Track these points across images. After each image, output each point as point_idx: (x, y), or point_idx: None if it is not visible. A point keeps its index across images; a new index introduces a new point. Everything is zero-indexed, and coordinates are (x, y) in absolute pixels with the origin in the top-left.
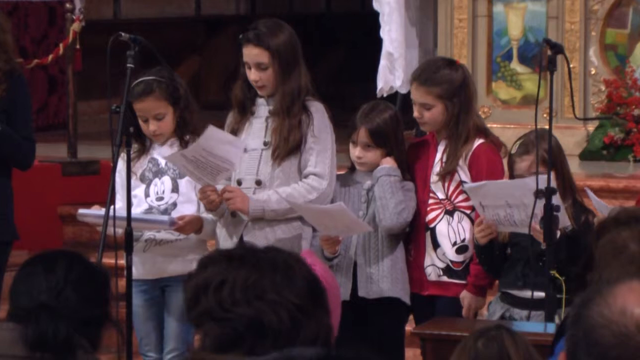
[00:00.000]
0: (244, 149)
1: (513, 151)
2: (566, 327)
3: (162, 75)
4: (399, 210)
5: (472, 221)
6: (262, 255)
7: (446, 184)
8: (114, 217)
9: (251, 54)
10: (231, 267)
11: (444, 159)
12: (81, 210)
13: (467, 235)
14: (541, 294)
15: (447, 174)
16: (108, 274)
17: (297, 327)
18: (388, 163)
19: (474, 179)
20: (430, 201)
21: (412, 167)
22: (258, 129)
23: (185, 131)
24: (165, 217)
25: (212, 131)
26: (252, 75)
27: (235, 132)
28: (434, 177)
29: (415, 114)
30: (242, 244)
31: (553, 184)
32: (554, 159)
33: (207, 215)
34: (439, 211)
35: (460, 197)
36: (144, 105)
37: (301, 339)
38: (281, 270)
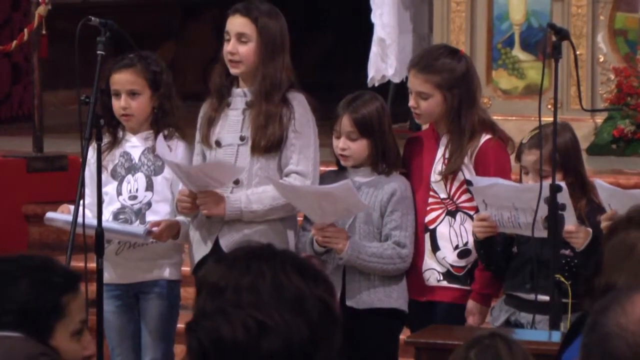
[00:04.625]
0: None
1: (524, 141)
2: (581, 333)
3: (147, 56)
4: (396, 265)
5: None
6: (242, 262)
7: (449, 183)
8: (83, 222)
9: (235, 22)
10: (213, 271)
11: (447, 156)
12: (49, 214)
13: (470, 239)
14: (546, 298)
15: (450, 173)
16: (76, 275)
17: (255, 342)
18: (342, 247)
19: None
20: (431, 200)
21: (409, 163)
22: (234, 122)
23: (163, 124)
24: (140, 229)
25: (219, 165)
26: (230, 46)
27: (212, 120)
28: (435, 176)
29: (411, 103)
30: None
31: (562, 182)
32: (566, 156)
33: (181, 217)
34: (439, 211)
35: (464, 197)
36: (120, 76)
37: (263, 353)
38: (249, 279)
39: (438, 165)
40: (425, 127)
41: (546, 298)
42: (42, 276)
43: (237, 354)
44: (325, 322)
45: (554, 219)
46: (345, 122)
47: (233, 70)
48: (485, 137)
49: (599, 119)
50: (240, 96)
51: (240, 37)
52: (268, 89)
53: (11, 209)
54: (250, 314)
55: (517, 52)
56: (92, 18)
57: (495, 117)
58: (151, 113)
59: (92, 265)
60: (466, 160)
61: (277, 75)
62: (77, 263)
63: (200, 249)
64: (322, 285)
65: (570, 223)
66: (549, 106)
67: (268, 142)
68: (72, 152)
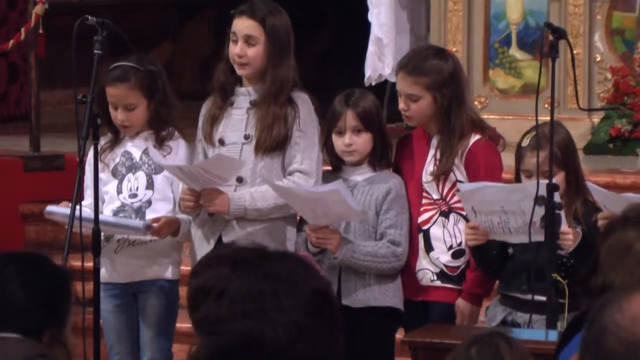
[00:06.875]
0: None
1: (524, 144)
2: (579, 332)
3: (142, 64)
4: (391, 264)
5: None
6: (267, 265)
7: (441, 184)
8: (80, 217)
9: (242, 25)
10: (234, 274)
11: (438, 156)
12: (49, 208)
13: (464, 239)
14: (542, 298)
15: (442, 173)
16: (65, 274)
17: (294, 345)
18: (333, 244)
19: (470, 178)
20: (424, 201)
21: (401, 163)
22: (238, 121)
23: (160, 126)
24: (139, 222)
25: (218, 157)
26: (238, 48)
27: (215, 118)
28: (427, 177)
29: (401, 105)
30: (253, 244)
31: (562, 182)
32: (567, 156)
33: (182, 215)
34: (432, 212)
35: (457, 198)
36: (117, 91)
37: (297, 356)
38: (284, 283)
39: (429, 166)
40: None
41: (543, 298)
42: (39, 277)
43: (272, 357)
44: (339, 322)
45: (551, 219)
46: (350, 117)
47: (240, 72)
48: (474, 138)
49: (596, 118)
50: (244, 95)
51: (248, 40)
52: (277, 90)
53: (8, 209)
54: (292, 319)
55: (514, 52)
56: (90, 17)
57: (492, 117)
58: (149, 116)
59: (89, 264)
60: (456, 160)
61: (286, 76)
62: (74, 262)
63: (203, 247)
64: (328, 284)
65: (561, 224)
66: (546, 105)
67: (273, 142)
68: (69, 152)
